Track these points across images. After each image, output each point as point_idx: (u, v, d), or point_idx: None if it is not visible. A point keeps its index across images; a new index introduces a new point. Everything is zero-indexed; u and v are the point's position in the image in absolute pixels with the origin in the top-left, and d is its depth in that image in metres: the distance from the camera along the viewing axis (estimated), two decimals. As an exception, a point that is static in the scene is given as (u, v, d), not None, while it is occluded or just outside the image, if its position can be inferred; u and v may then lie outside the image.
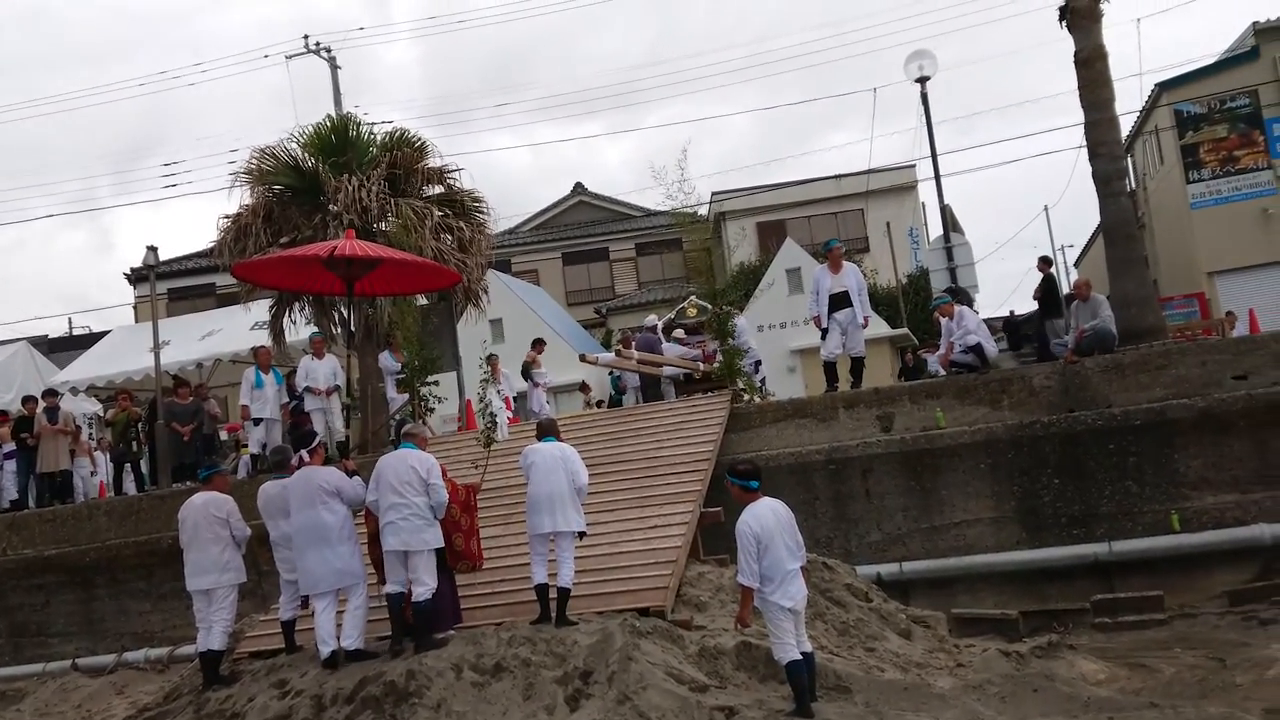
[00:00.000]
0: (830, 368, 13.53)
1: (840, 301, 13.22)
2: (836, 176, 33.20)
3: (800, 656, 7.04)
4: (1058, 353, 14.21)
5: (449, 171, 15.81)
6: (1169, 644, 9.63)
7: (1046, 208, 38.83)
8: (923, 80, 19.33)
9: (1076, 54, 14.67)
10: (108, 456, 17.74)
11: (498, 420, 9.29)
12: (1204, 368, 11.71)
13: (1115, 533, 11.26)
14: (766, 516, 7.15)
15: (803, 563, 7.28)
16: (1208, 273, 25.60)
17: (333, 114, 17.18)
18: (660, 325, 18.95)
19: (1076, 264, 38.54)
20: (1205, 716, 7.07)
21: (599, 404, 21.22)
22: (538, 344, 18.33)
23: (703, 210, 26.68)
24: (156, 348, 16.89)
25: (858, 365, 13.53)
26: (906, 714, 7.06)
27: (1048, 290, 17.01)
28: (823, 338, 13.52)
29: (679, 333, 17.08)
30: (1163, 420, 11.42)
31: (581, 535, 8.56)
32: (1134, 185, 26.37)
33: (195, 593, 8.78)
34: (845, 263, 13.48)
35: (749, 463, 7.72)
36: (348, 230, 10.20)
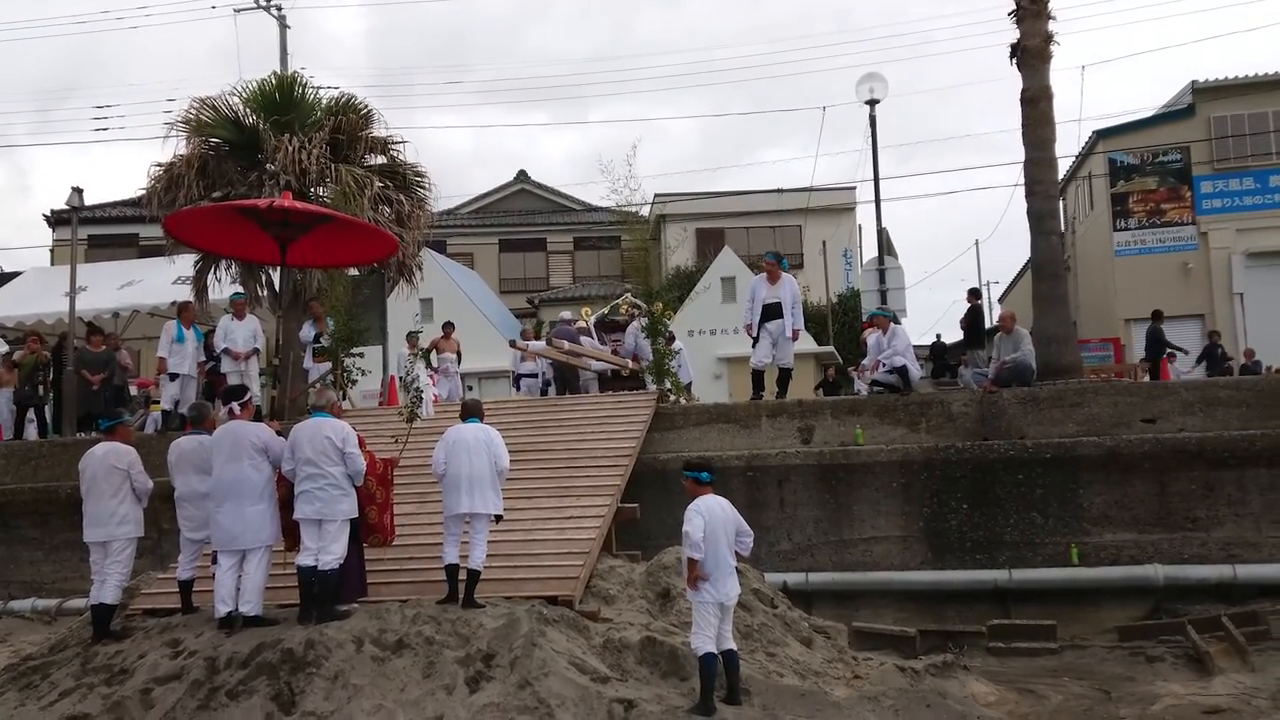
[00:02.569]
0: (758, 376, 13.66)
1: (773, 312, 13.36)
2: (779, 191, 33.51)
3: (715, 651, 7.10)
4: (977, 381, 14.55)
5: (393, 143, 15.63)
6: (1058, 673, 9.90)
7: (978, 242, 39.76)
8: (872, 103, 19.61)
9: (1023, 93, 15.02)
10: (11, 399, 17.12)
11: (423, 396, 9.19)
12: (1115, 409, 12.06)
13: (1016, 561, 11.54)
14: (714, 509, 7.33)
15: (745, 551, 7.47)
16: (1125, 319, 26.37)
17: (278, 72, 16.84)
18: (594, 320, 18.93)
19: (1001, 299, 39.42)
20: (1088, 744, 7.29)
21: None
22: (447, 328, 17.79)
23: (645, 210, 26.75)
24: (73, 292, 16.37)
25: (784, 376, 13.67)
26: (802, 720, 7.16)
27: (973, 321, 17.44)
28: (754, 346, 13.65)
29: (580, 324, 17.03)
30: (1071, 456, 11.74)
31: (498, 519, 8.52)
32: (1063, 228, 27.07)
33: (92, 544, 8.53)
34: (784, 274, 13.61)
35: (700, 457, 7.89)
36: (284, 192, 9.98)
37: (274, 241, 9.31)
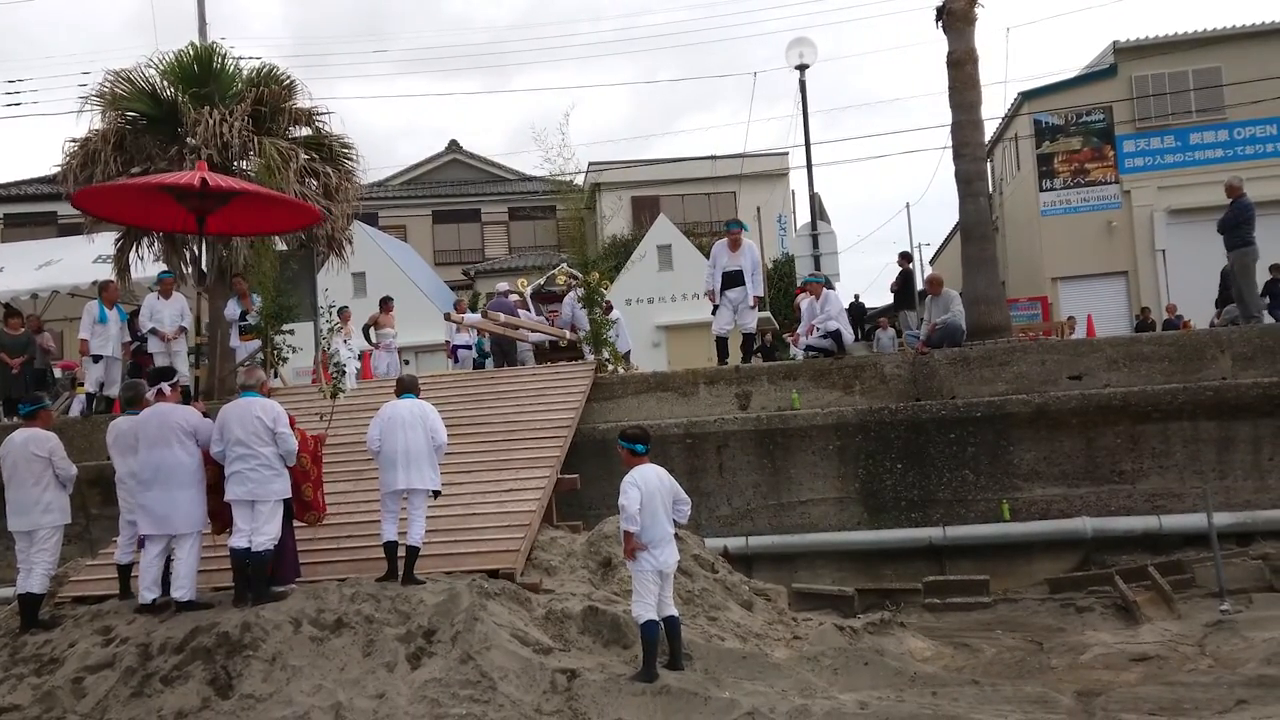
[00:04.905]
0: (721, 343, 13.66)
1: (734, 279, 13.34)
2: (713, 157, 33.51)
3: (656, 619, 7.13)
4: (910, 344, 14.75)
5: (318, 114, 15.25)
6: (992, 626, 10.14)
7: (909, 205, 40.10)
8: (802, 68, 19.64)
9: (949, 55, 15.13)
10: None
11: (345, 370, 9.07)
12: (1043, 366, 12.31)
13: (950, 518, 11.78)
14: (651, 479, 7.32)
15: (683, 519, 7.48)
16: (1052, 278, 26.89)
17: (197, 43, 16.32)
18: (530, 291, 18.82)
19: (933, 261, 39.89)
20: (1022, 695, 7.48)
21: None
22: (385, 303, 17.59)
23: (579, 180, 26.58)
24: (-12, 273, 15.83)
25: (747, 341, 13.68)
26: (743, 682, 7.23)
27: (904, 284, 17.68)
28: (714, 313, 13.64)
29: (514, 296, 16.94)
30: (1001, 414, 11.97)
31: (436, 494, 8.45)
32: (991, 189, 27.42)
33: (17, 533, 8.31)
34: (745, 241, 13.60)
35: (638, 427, 7.87)
36: (199, 162, 9.70)
37: (190, 214, 9.09)
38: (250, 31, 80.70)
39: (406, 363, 19.88)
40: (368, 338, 17.08)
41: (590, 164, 33.09)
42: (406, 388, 8.73)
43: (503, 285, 18.20)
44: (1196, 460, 11.69)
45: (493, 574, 8.24)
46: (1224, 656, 8.43)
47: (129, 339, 14.32)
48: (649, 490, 7.22)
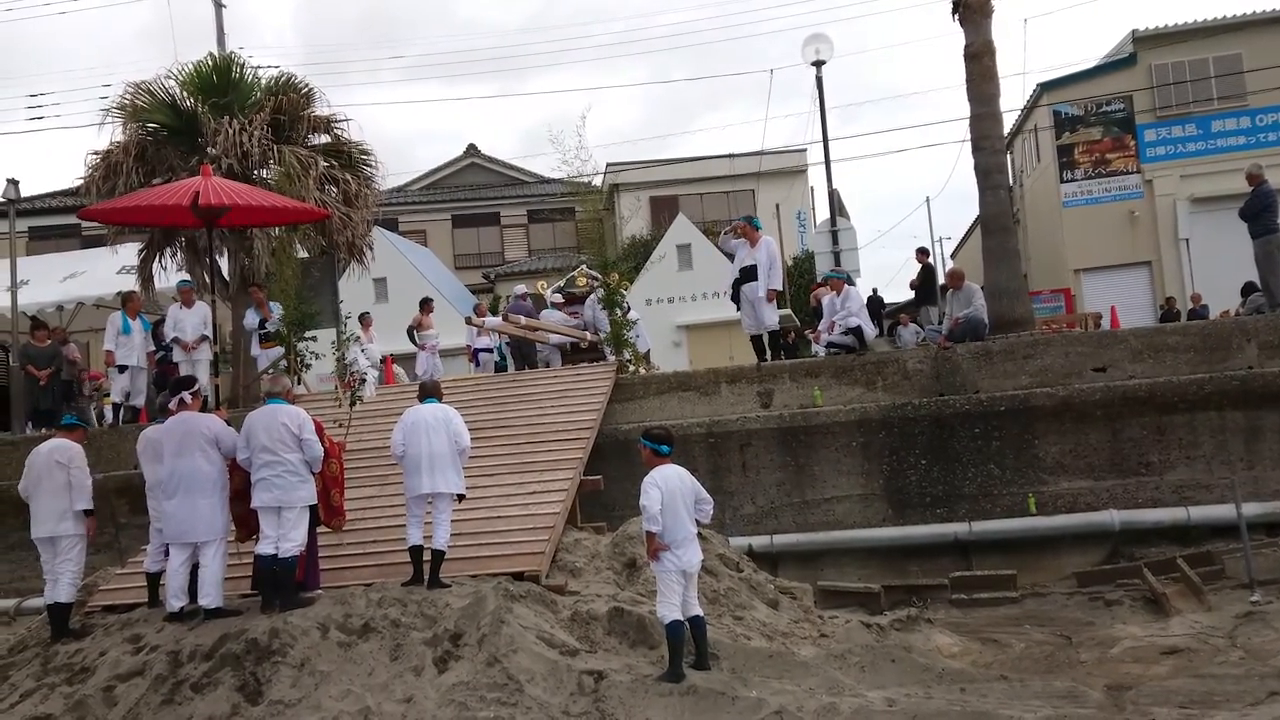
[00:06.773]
0: (755, 342, 13.53)
1: (750, 275, 13.17)
2: (730, 156, 33.45)
3: (681, 619, 7.12)
4: (931, 339, 14.68)
5: (336, 121, 15.35)
6: (1020, 621, 10.07)
7: (928, 199, 39.81)
8: (819, 64, 19.58)
9: (966, 48, 15.07)
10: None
11: (365, 378, 9.12)
12: (1066, 359, 12.22)
13: (976, 513, 11.70)
14: (672, 479, 7.30)
15: (706, 519, 7.46)
16: (1074, 269, 26.70)
17: (215, 53, 16.46)
18: (549, 293, 18.83)
19: (954, 255, 39.68)
20: (1051, 690, 7.42)
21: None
22: (425, 304, 17.85)
23: (597, 181, 26.60)
24: (14, 286, 16.02)
25: (774, 338, 13.49)
26: (770, 681, 7.21)
27: (925, 279, 17.61)
28: (739, 311, 13.57)
29: (556, 298, 17.00)
30: (1026, 407, 11.89)
31: (461, 498, 8.48)
32: (1012, 181, 27.19)
33: (40, 541, 8.41)
34: (761, 237, 13.45)
35: (663, 428, 7.86)
36: (203, 166, 9.77)
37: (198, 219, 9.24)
38: (264, 41, 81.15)
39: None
40: (412, 339, 17.34)
41: (608, 165, 33.11)
42: (429, 392, 8.78)
43: (520, 288, 18.26)
44: (1224, 450, 11.59)
45: (518, 576, 8.26)
46: (1255, 648, 8.34)
47: (153, 349, 14.45)
48: (670, 490, 7.21)
